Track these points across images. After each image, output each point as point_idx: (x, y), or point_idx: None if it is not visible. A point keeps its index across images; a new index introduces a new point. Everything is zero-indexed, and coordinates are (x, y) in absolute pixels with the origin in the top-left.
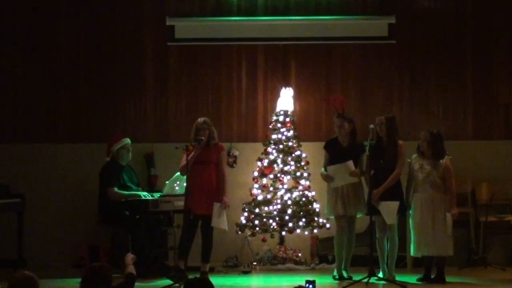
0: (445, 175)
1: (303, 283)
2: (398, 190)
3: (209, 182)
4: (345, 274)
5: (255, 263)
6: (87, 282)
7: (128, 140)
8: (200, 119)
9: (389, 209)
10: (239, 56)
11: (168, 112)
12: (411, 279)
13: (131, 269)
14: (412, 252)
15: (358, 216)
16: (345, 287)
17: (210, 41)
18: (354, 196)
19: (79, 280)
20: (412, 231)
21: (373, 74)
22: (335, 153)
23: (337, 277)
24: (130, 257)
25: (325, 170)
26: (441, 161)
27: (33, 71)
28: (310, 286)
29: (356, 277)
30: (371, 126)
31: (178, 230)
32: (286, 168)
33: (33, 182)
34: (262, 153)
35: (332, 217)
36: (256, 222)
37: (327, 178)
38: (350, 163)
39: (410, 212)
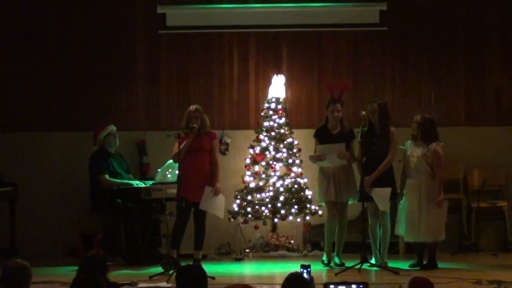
0: (433, 161)
1: (295, 270)
2: (390, 176)
3: (202, 170)
4: (337, 261)
5: (248, 250)
6: (83, 271)
7: (113, 127)
8: (192, 107)
9: (381, 195)
10: (230, 44)
11: (160, 99)
12: (404, 265)
13: None
14: (397, 231)
15: (350, 202)
16: (338, 273)
17: (201, 29)
18: (346, 182)
19: (71, 268)
20: (401, 215)
21: (365, 61)
22: (325, 140)
23: (326, 261)
24: None
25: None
26: (430, 146)
27: (24, 59)
28: (305, 271)
29: (348, 264)
30: (363, 113)
31: (170, 218)
32: (278, 155)
33: (25, 171)
34: (254, 141)
35: (323, 203)
36: (249, 209)
37: (316, 157)
38: (340, 145)
39: (403, 197)
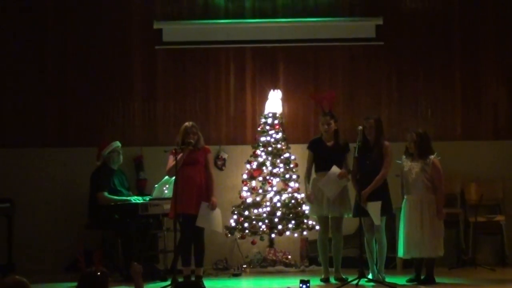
0: (433, 176)
1: (293, 285)
2: (385, 191)
3: (198, 182)
4: (337, 276)
5: (245, 266)
6: (83, 286)
7: (118, 143)
8: (189, 123)
9: (373, 209)
10: (227, 59)
11: (157, 115)
12: (401, 280)
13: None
14: (400, 253)
15: (345, 217)
16: None
17: (198, 44)
18: (340, 198)
19: (69, 284)
20: (401, 233)
21: (361, 75)
22: (320, 153)
23: (323, 279)
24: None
25: (308, 173)
26: (428, 161)
27: (21, 75)
28: (304, 286)
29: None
30: (360, 127)
31: (168, 234)
32: (275, 170)
33: (22, 187)
34: (251, 156)
35: (315, 216)
36: (246, 224)
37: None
38: (335, 168)
39: (401, 213)
